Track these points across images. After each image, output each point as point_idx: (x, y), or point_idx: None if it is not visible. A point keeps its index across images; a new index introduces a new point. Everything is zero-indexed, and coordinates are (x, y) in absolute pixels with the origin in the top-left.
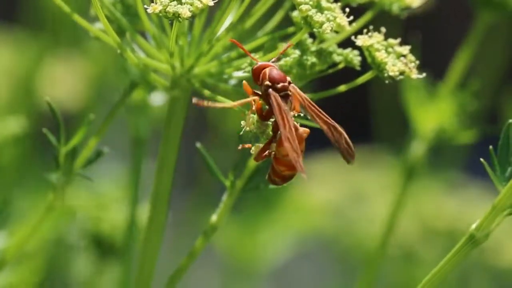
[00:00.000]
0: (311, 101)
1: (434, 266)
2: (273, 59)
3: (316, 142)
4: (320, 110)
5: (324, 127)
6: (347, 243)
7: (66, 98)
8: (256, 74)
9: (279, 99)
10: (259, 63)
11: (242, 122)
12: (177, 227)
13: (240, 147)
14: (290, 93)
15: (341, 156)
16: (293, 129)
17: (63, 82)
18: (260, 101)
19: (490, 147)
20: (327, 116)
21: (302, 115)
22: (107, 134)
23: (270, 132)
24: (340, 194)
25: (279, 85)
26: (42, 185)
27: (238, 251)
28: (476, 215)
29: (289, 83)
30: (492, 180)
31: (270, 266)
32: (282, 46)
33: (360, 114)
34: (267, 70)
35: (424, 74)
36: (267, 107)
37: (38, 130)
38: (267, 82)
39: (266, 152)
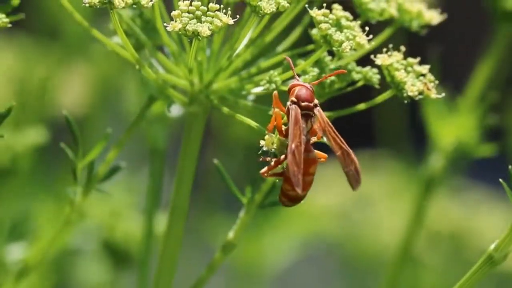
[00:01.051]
0: (332, 126)
1: (438, 270)
2: (313, 82)
3: (320, 148)
4: (338, 135)
5: (339, 152)
6: (352, 248)
7: (71, 104)
8: (289, 92)
9: (299, 115)
10: (295, 82)
11: (262, 142)
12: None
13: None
14: (312, 114)
15: (348, 181)
16: (302, 146)
17: (68, 87)
18: (284, 119)
19: (510, 166)
20: (343, 142)
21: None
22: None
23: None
24: (344, 199)
25: (303, 104)
26: (50, 193)
27: (243, 255)
28: (480, 221)
29: (315, 105)
30: (508, 198)
31: (275, 270)
32: (301, 63)
33: (364, 119)
34: (297, 88)
35: (443, 94)
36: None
37: (47, 137)
38: (293, 98)
39: (278, 170)
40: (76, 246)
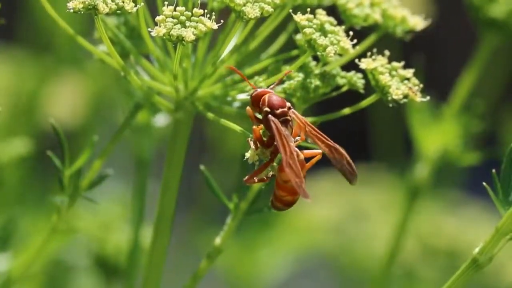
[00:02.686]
0: (312, 125)
1: (434, 285)
2: (272, 85)
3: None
4: (321, 133)
5: (326, 150)
6: (347, 261)
7: (65, 116)
8: (256, 101)
9: (279, 124)
10: (258, 90)
11: (246, 154)
12: (178, 246)
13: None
14: (289, 118)
15: (344, 176)
16: (294, 154)
17: (62, 100)
18: (260, 127)
19: (493, 170)
20: (328, 138)
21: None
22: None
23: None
24: (340, 212)
25: (279, 111)
26: (42, 205)
27: (238, 270)
28: (476, 235)
29: (289, 108)
30: (494, 203)
31: (270, 283)
32: (286, 69)
33: (358, 132)
34: (266, 97)
35: (428, 97)
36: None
37: (38, 149)
38: (266, 108)
39: (262, 176)
40: (68, 259)
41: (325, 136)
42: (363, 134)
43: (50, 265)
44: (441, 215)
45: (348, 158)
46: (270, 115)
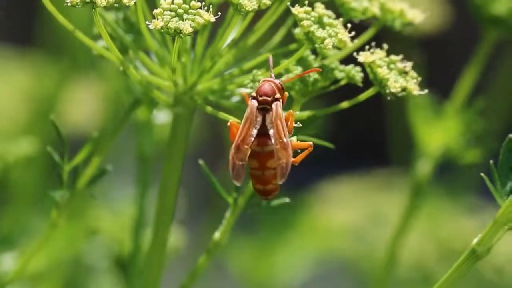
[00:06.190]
0: (283, 121)
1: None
2: (289, 78)
3: (335, 165)
4: (285, 129)
5: (277, 145)
6: (365, 265)
7: (83, 120)
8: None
9: (254, 109)
10: (265, 79)
11: None
12: (194, 248)
13: None
14: (269, 108)
15: (277, 173)
16: (250, 139)
17: (81, 104)
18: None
19: (491, 161)
20: (286, 136)
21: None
22: (121, 155)
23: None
24: (358, 216)
25: (260, 98)
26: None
27: (255, 273)
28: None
29: (275, 100)
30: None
31: (288, 287)
32: (284, 63)
33: (377, 137)
34: (261, 83)
35: (426, 91)
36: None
37: (56, 152)
38: (253, 93)
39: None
40: (88, 260)
41: (286, 134)
42: (381, 140)
43: (70, 266)
44: (458, 217)
45: (289, 160)
46: (253, 100)
